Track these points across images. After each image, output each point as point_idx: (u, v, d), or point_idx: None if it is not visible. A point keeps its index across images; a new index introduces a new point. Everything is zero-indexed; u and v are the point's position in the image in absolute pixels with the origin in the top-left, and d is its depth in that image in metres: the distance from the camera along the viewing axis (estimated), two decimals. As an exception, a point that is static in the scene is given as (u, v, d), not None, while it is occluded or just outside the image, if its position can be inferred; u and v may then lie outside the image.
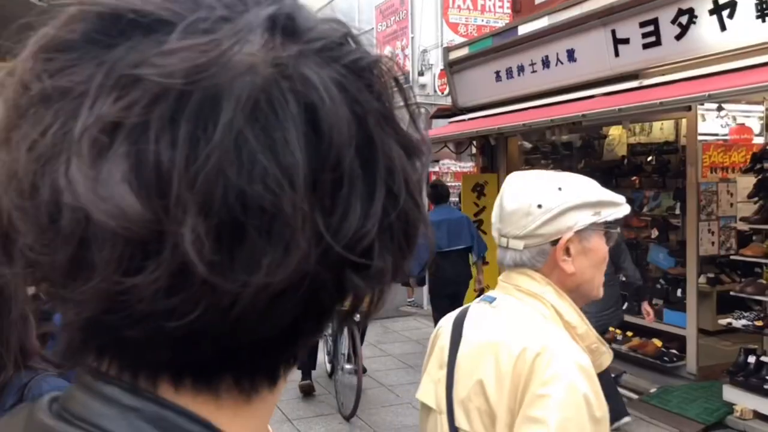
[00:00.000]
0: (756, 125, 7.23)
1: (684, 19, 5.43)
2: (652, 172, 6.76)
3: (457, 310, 1.56)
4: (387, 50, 14.13)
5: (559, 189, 1.39)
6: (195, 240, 0.34)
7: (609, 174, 7.15)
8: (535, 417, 1.21)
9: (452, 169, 13.44)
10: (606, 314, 5.12)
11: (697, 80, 5.19)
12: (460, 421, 1.34)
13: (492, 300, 1.46)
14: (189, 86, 0.34)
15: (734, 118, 7.15)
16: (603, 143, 7.34)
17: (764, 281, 5.41)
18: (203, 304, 0.35)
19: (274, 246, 0.36)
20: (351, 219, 0.38)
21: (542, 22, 6.89)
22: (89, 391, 0.41)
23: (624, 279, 5.54)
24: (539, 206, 1.37)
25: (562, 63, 6.81)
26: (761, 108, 6.62)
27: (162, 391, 0.40)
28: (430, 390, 1.48)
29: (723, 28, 5.13)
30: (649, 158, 6.78)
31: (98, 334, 0.39)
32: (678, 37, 5.53)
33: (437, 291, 6.33)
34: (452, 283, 6.17)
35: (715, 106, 5.97)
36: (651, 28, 5.76)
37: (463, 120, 8.15)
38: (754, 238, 5.83)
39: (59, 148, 0.35)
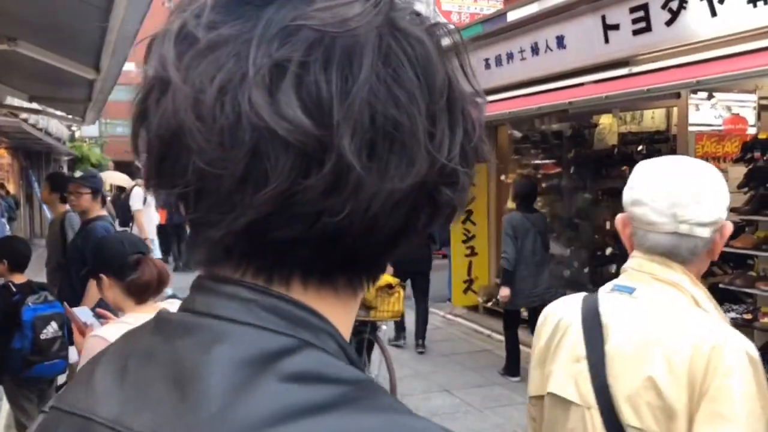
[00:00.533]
0: (751, 115, 7.08)
1: (674, 5, 5.27)
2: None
3: (573, 300, 1.51)
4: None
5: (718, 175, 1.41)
6: (354, 150, 0.44)
7: (599, 163, 7.01)
8: (721, 412, 1.22)
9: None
10: (550, 293, 5.62)
11: (685, 67, 5.05)
12: (629, 417, 1.31)
13: (631, 290, 1.41)
14: (338, 35, 0.45)
15: (729, 108, 7.00)
16: (593, 132, 7.19)
17: (754, 273, 5.28)
18: (350, 204, 0.46)
19: (403, 158, 0.47)
20: (444, 144, 0.49)
21: (532, 8, 6.73)
22: (211, 292, 0.51)
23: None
24: (721, 193, 1.39)
25: (551, 50, 6.66)
26: (754, 97, 6.47)
27: (293, 290, 0.50)
28: (568, 384, 1.43)
29: (714, 13, 4.98)
30: (640, 147, 6.63)
31: (250, 239, 0.48)
32: (668, 23, 5.38)
33: (400, 270, 6.22)
34: (414, 263, 6.54)
35: (707, 94, 5.82)
36: (641, 13, 5.61)
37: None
38: (746, 229, 5.69)
39: (235, 82, 0.44)
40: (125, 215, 11.05)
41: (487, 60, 7.51)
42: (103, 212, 4.45)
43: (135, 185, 10.55)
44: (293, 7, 0.45)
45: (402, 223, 0.49)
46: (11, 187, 16.43)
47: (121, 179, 15.93)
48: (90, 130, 30.43)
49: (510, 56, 7.18)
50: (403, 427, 0.46)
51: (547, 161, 7.92)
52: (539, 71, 6.82)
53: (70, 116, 6.34)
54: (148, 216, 9.97)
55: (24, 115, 11.71)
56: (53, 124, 18.52)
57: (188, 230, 0.57)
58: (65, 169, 26.62)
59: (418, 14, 0.51)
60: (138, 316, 2.33)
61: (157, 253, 10.03)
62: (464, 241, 8.06)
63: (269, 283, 0.50)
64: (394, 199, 0.47)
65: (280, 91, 0.44)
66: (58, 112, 6.48)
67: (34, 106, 6.59)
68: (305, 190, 0.45)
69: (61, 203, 4.78)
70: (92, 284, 3.60)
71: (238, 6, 0.46)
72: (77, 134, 28.13)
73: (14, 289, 3.90)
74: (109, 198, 15.48)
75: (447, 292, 9.01)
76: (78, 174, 4.50)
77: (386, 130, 0.46)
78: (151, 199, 10.08)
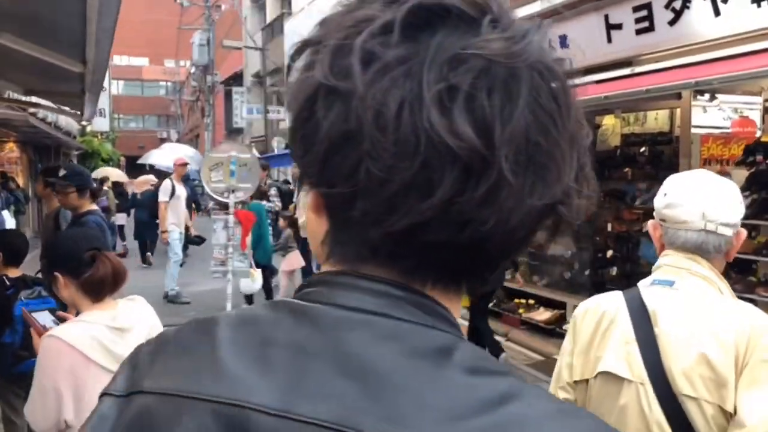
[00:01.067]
0: (758, 118, 6.97)
1: (677, 4, 5.20)
2: (646, 164, 6.53)
3: (611, 296, 1.75)
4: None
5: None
6: (510, 169, 0.50)
7: (601, 165, 6.92)
8: (758, 379, 1.46)
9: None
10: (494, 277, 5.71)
11: (686, 68, 4.97)
12: (684, 388, 1.53)
13: (671, 283, 1.63)
14: (503, 65, 0.50)
15: (736, 110, 6.89)
16: (596, 133, 7.11)
17: (754, 279, 5.20)
18: (495, 216, 0.51)
19: (543, 180, 0.52)
20: (570, 169, 0.54)
21: (535, 7, 6.66)
22: (359, 289, 0.55)
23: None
24: (740, 201, 1.65)
25: (554, 49, 6.58)
26: (760, 99, 6.37)
27: (426, 289, 0.56)
28: (620, 364, 1.63)
29: (717, 13, 4.90)
30: (643, 149, 6.55)
31: (401, 240, 0.52)
32: (671, 23, 5.30)
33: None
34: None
35: (709, 96, 5.73)
36: (644, 12, 5.54)
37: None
38: (753, 233, 5.60)
39: (412, 100, 0.49)
40: (154, 207, 11.17)
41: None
42: (94, 207, 4.42)
43: (167, 179, 10.62)
44: (461, 37, 0.51)
45: (529, 234, 0.56)
46: (21, 181, 16.50)
47: (119, 175, 16.09)
48: (101, 124, 30.55)
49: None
50: (571, 410, 0.53)
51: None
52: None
53: (67, 110, 6.34)
54: (176, 209, 9.98)
55: (32, 110, 11.76)
56: (63, 118, 18.61)
57: (330, 227, 0.59)
58: (75, 162, 26.76)
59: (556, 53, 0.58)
60: (95, 314, 2.29)
61: (176, 248, 9.77)
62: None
63: (410, 281, 0.56)
64: (530, 216, 0.53)
65: (453, 112, 0.49)
66: (56, 106, 6.48)
67: (34, 99, 6.59)
68: (466, 200, 0.50)
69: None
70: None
71: (410, 30, 0.51)
72: (88, 129, 28.27)
73: (8, 283, 3.89)
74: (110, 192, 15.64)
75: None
76: (62, 172, 4.42)
77: (535, 154, 0.52)
78: (181, 192, 10.12)
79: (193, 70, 37.94)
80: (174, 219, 9.92)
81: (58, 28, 2.82)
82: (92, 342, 2.17)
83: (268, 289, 8.46)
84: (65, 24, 2.73)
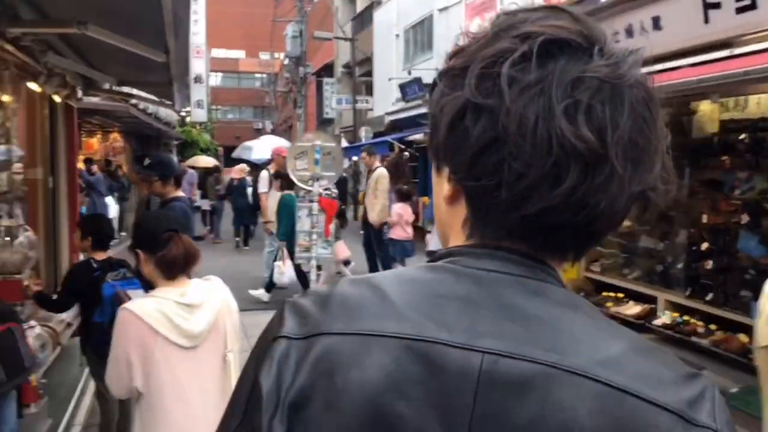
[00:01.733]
0: None
1: (783, -21, 4.82)
2: (745, 152, 6.12)
3: None
4: (475, 22, 13.67)
5: None
6: (620, 164, 0.65)
7: (696, 153, 6.55)
8: None
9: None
10: None
11: (792, 47, 4.60)
12: None
13: None
14: (609, 84, 0.65)
15: None
16: (692, 119, 6.72)
17: None
18: (605, 200, 0.66)
19: (642, 171, 0.67)
20: (658, 162, 0.70)
21: (629, -13, 6.35)
22: (500, 258, 0.70)
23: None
24: None
25: (646, 31, 6.26)
26: None
27: (547, 260, 0.71)
28: None
29: (827, -13, 4.51)
30: (742, 136, 6.14)
31: (532, 223, 0.67)
32: (776, 0, 4.93)
33: None
34: None
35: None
36: (746, -11, 5.17)
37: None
38: None
39: (546, 113, 0.64)
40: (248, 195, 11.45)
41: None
42: (179, 193, 4.57)
43: (264, 170, 10.86)
44: (578, 63, 0.66)
45: (622, 218, 0.71)
46: (125, 169, 17.41)
47: (206, 161, 16.68)
48: (199, 115, 31.76)
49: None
50: (676, 361, 0.68)
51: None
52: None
53: (157, 98, 6.60)
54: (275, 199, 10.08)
55: (133, 101, 12.36)
56: (162, 109, 19.46)
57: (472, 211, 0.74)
58: (174, 153, 27.96)
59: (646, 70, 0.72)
60: (167, 290, 2.47)
61: (274, 239, 9.55)
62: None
63: (538, 254, 0.71)
64: (630, 200, 0.69)
65: (577, 120, 0.64)
66: (150, 96, 6.76)
67: (135, 92, 6.90)
68: (585, 188, 0.66)
69: (148, 184, 4.96)
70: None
71: (541, 59, 0.66)
72: (187, 120, 29.45)
73: (95, 266, 4.09)
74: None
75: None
76: (146, 162, 4.58)
77: (637, 151, 0.67)
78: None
79: (286, 61, 38.73)
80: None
81: (137, 19, 2.93)
82: (159, 315, 2.35)
83: (301, 276, 8.36)
84: (144, 14, 2.83)
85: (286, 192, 8.62)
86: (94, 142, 17.71)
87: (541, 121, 0.65)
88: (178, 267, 2.50)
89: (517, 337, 0.64)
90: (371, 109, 23.43)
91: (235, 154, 23.69)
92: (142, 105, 14.83)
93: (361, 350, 0.65)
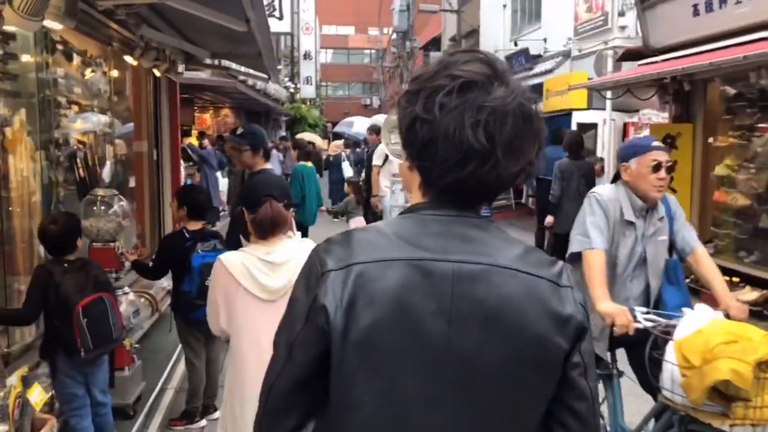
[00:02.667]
0: None
1: None
2: None
3: None
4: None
5: None
6: (503, 156, 1.08)
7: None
8: None
9: (653, 120, 12.14)
10: None
11: None
12: None
13: None
14: (500, 108, 1.07)
15: None
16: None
17: None
18: (494, 175, 1.09)
19: (519, 159, 1.10)
20: (530, 152, 1.13)
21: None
22: (447, 209, 1.13)
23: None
24: None
25: (740, 2, 5.66)
26: None
27: (474, 208, 1.16)
28: None
29: None
30: None
31: (457, 188, 1.10)
32: None
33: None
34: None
35: None
36: None
37: (654, 62, 7.18)
38: None
39: (460, 127, 1.06)
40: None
41: (695, 6, 6.61)
42: (267, 166, 4.57)
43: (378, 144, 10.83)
44: (482, 95, 1.06)
45: (510, 184, 1.14)
46: (233, 144, 17.98)
47: (312, 137, 16.86)
48: (308, 91, 32.40)
49: (723, 0, 6.24)
50: (544, 254, 1.18)
51: (765, 124, 6.84)
52: (759, 17, 5.84)
53: (255, 73, 6.68)
54: (388, 173, 9.96)
55: (241, 77, 12.71)
56: (271, 85, 19.94)
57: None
58: (283, 129, 28.69)
59: (529, 93, 1.13)
60: (255, 247, 2.76)
61: (385, 213, 9.16)
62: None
63: (467, 206, 1.14)
64: (511, 175, 1.10)
65: (477, 131, 1.05)
66: (247, 70, 6.87)
67: (231, 65, 7.02)
68: (482, 170, 1.07)
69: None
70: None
71: (460, 92, 1.06)
72: (297, 96, 30.09)
73: (188, 235, 4.17)
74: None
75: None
76: (239, 131, 4.61)
77: (513, 148, 1.08)
78: (393, 159, 10.12)
79: (393, 36, 38.67)
80: (387, 183, 9.82)
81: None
82: (243, 269, 2.64)
83: None
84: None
85: (301, 163, 8.98)
86: (207, 117, 18.44)
87: (457, 130, 1.06)
88: (266, 229, 2.74)
89: (468, 251, 1.09)
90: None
91: (336, 128, 23.97)
92: (250, 81, 15.24)
93: (381, 270, 1.06)
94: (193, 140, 14.45)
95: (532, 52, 15.99)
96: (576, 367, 1.09)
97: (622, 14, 11.62)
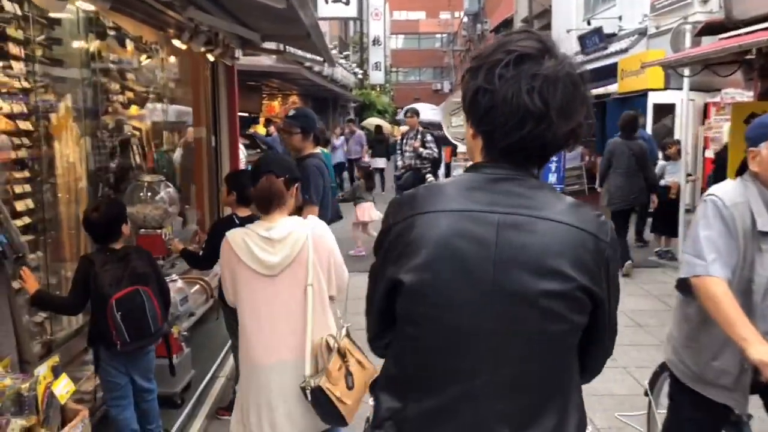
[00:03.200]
0: None
1: None
2: None
3: None
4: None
5: None
6: (556, 117, 1.27)
7: None
8: None
9: (737, 99, 11.39)
10: (639, 199, 7.93)
11: None
12: None
13: None
14: (552, 75, 1.26)
15: None
16: None
17: None
18: (550, 135, 1.29)
19: (569, 119, 1.29)
20: (580, 114, 1.33)
21: None
22: (503, 168, 1.33)
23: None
24: None
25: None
26: None
27: (527, 168, 1.36)
28: None
29: None
30: None
31: (515, 149, 1.31)
32: None
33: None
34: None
35: None
36: None
37: (737, 35, 6.62)
38: None
39: (517, 92, 1.26)
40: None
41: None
42: (316, 150, 4.43)
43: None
44: (535, 65, 1.25)
45: (564, 144, 1.33)
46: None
47: (380, 122, 16.70)
48: (377, 77, 32.28)
49: (816, -36, 5.64)
50: (590, 209, 1.36)
51: None
52: None
53: (311, 56, 6.54)
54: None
55: (307, 63, 12.65)
56: (339, 71, 19.91)
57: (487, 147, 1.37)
58: (352, 115, 28.69)
59: (576, 63, 1.33)
60: (258, 223, 2.79)
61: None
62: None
63: (522, 166, 1.34)
64: (564, 134, 1.30)
65: (533, 96, 1.24)
66: (304, 53, 6.74)
67: (290, 49, 6.92)
68: (538, 130, 1.27)
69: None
70: (307, 210, 3.85)
71: (515, 64, 1.26)
72: (366, 83, 30.02)
73: (237, 221, 4.08)
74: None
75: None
76: (291, 112, 4.49)
77: (568, 110, 1.27)
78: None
79: (465, 19, 38.06)
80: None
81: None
82: (243, 244, 2.72)
83: None
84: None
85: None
86: (275, 105, 18.57)
87: (515, 97, 1.25)
88: (263, 203, 2.80)
89: (513, 204, 1.28)
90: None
91: (399, 116, 23.82)
92: (317, 68, 15.22)
93: (437, 218, 1.29)
94: (260, 128, 14.58)
95: (607, 30, 15.30)
96: (602, 304, 1.32)
97: (703, -14, 10.91)
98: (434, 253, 1.26)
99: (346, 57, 22.55)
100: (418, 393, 1.33)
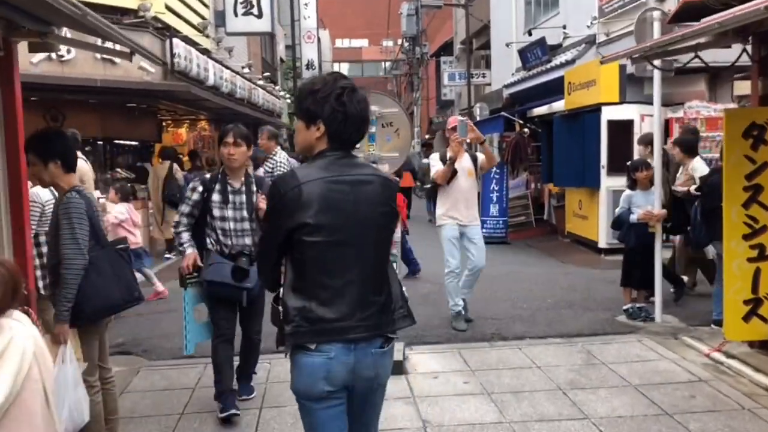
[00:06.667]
0: None
1: None
2: None
3: None
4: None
5: None
6: (326, 119, 2.36)
7: None
8: None
9: (702, 113, 9.67)
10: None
11: None
12: None
13: None
14: (365, 99, 2.45)
15: None
16: None
17: None
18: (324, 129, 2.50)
19: (357, 127, 2.44)
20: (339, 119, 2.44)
21: None
22: (346, 156, 2.41)
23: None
24: None
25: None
26: None
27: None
28: None
29: None
30: None
31: (347, 142, 2.47)
32: None
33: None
34: None
35: None
36: None
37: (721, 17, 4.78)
38: None
39: (356, 108, 2.42)
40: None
41: None
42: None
43: None
44: (357, 94, 2.38)
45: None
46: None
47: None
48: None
49: None
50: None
51: None
52: None
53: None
54: None
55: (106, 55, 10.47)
56: (262, 95, 17.82)
57: None
58: (287, 143, 26.47)
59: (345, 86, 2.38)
60: None
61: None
62: (747, 236, 4.81)
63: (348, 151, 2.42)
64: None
65: (365, 111, 2.42)
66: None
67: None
68: (364, 130, 2.49)
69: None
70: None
71: (348, 93, 2.37)
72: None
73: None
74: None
75: (713, 313, 5.84)
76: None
77: (334, 118, 2.32)
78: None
79: (405, 44, 36.61)
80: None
81: None
82: None
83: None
84: None
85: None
86: (182, 132, 16.31)
87: (359, 112, 2.34)
88: None
89: (353, 171, 2.33)
90: (489, 84, 20.61)
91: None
92: (225, 88, 13.08)
93: (313, 185, 2.24)
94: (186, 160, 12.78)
95: (550, 41, 13.61)
96: (396, 216, 2.52)
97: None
98: (321, 203, 2.23)
99: (267, 78, 20.36)
100: (316, 290, 2.28)
